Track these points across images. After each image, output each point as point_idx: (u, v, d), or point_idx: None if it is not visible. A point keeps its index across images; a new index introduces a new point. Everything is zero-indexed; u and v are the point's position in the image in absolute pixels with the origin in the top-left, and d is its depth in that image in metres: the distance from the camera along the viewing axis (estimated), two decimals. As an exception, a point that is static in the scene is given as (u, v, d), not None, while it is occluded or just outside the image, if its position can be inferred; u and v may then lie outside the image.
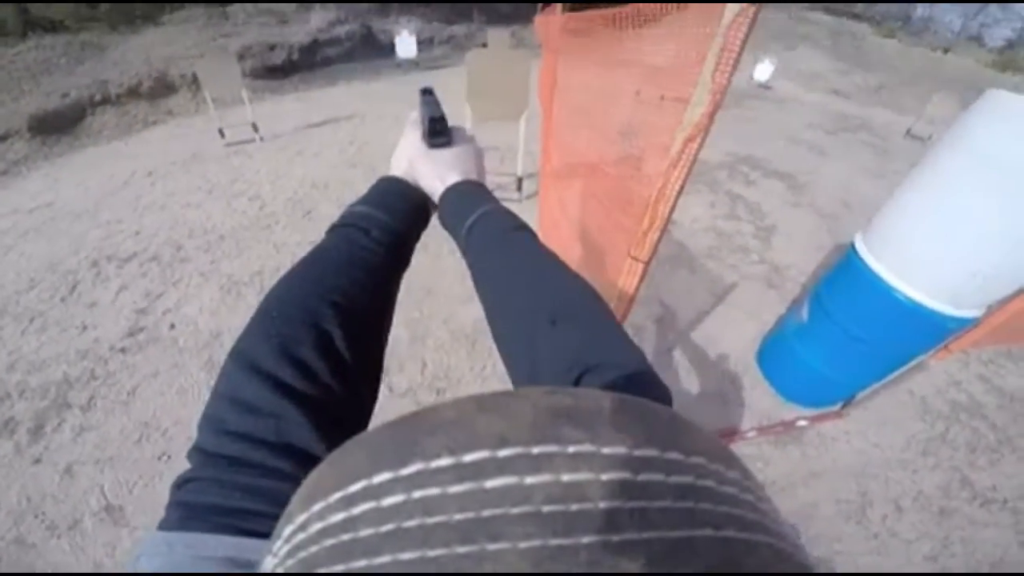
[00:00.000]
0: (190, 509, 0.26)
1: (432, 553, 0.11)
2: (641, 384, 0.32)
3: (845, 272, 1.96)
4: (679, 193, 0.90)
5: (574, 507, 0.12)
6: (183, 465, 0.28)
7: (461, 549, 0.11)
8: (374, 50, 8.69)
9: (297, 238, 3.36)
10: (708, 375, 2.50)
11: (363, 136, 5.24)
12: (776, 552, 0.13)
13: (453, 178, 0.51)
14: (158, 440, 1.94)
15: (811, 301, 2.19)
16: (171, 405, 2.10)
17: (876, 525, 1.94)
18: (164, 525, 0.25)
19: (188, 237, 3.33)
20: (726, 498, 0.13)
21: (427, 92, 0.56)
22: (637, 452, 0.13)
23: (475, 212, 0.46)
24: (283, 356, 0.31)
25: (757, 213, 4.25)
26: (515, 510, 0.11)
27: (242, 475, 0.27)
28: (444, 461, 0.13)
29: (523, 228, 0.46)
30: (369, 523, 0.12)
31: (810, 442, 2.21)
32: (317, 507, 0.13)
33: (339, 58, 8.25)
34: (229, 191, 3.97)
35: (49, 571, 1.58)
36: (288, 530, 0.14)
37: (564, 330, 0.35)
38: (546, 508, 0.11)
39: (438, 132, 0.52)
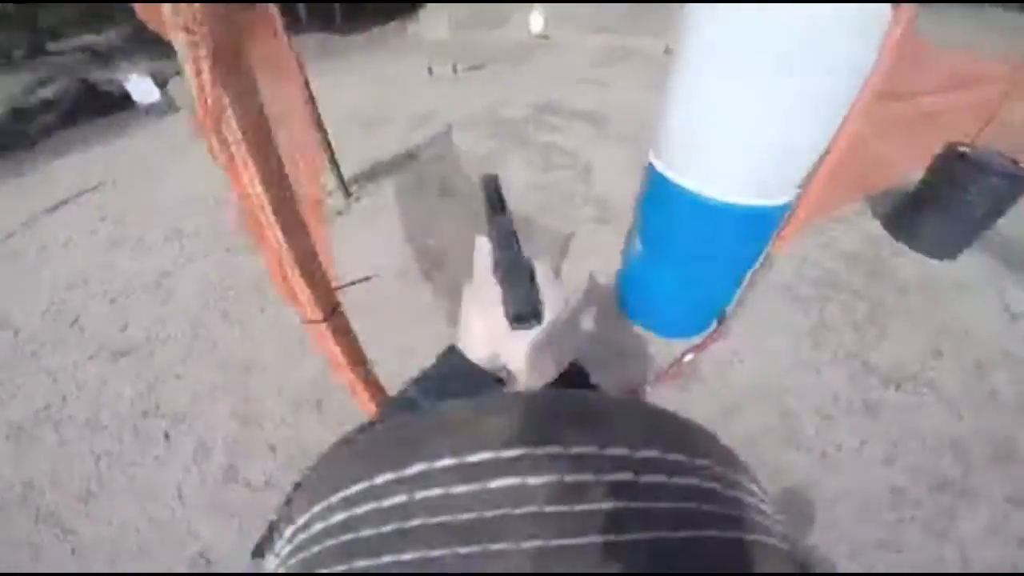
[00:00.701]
0: None
1: (435, 553, 0.11)
2: None
3: (656, 194, 1.93)
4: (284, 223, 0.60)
5: (577, 508, 0.12)
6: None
7: (464, 549, 0.11)
8: (105, 105, 7.00)
9: (75, 356, 2.54)
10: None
11: (118, 206, 4.12)
12: (778, 553, 0.13)
13: (552, 372, 0.38)
14: None
15: (640, 231, 2.17)
16: None
17: (815, 441, 1.96)
18: None
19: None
20: (729, 500, 0.13)
21: (497, 213, 0.41)
22: (640, 454, 0.13)
23: None
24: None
25: (571, 156, 4.39)
26: (518, 510, 0.12)
27: None
28: (447, 461, 0.13)
29: None
30: (370, 523, 0.12)
31: (709, 375, 2.23)
32: (318, 507, 0.14)
33: (59, 124, 6.47)
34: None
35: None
36: (290, 530, 0.14)
37: None
38: (549, 508, 0.12)
39: (531, 316, 0.36)
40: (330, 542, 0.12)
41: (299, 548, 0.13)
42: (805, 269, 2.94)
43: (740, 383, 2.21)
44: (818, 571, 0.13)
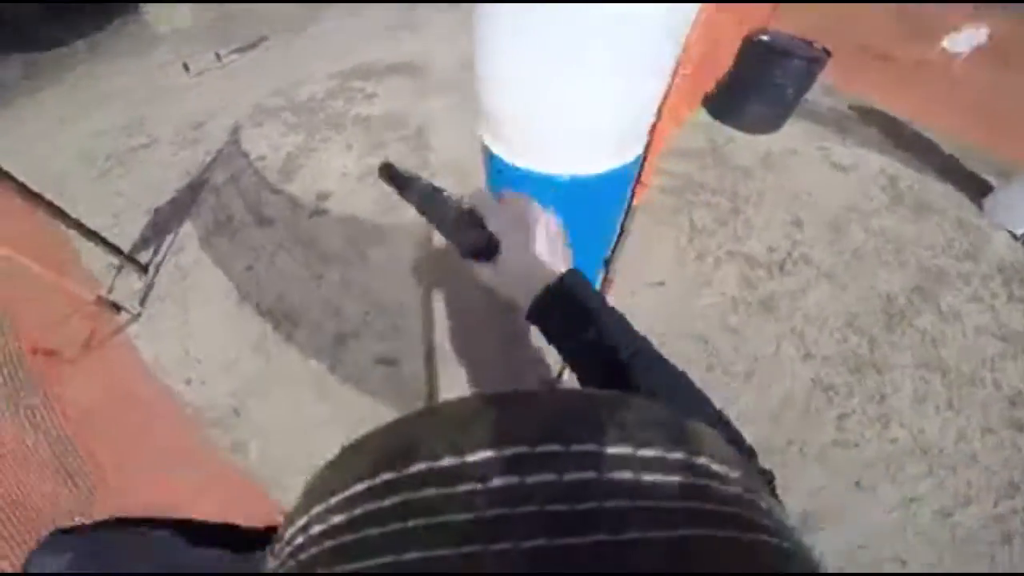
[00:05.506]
0: None
1: (436, 553, 0.11)
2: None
3: (503, 178, 1.56)
4: None
5: (578, 507, 0.11)
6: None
7: (465, 549, 0.11)
8: None
9: None
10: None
11: None
12: (779, 551, 0.13)
13: (534, 287, 0.43)
14: None
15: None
16: None
17: (736, 361, 1.98)
18: None
19: None
20: (730, 498, 0.13)
21: (407, 188, 0.44)
22: (641, 452, 0.13)
23: (631, 343, 0.44)
24: None
25: (397, 123, 3.80)
26: (518, 510, 0.11)
27: None
28: (447, 461, 0.13)
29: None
30: (371, 523, 0.12)
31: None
32: (318, 509, 0.13)
33: None
34: None
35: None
36: (289, 532, 0.14)
37: None
38: (549, 508, 0.11)
39: (475, 254, 0.43)
40: (330, 543, 0.12)
41: (299, 549, 0.13)
42: (662, 180, 2.90)
43: (647, 324, 2.15)
44: (819, 570, 0.12)
